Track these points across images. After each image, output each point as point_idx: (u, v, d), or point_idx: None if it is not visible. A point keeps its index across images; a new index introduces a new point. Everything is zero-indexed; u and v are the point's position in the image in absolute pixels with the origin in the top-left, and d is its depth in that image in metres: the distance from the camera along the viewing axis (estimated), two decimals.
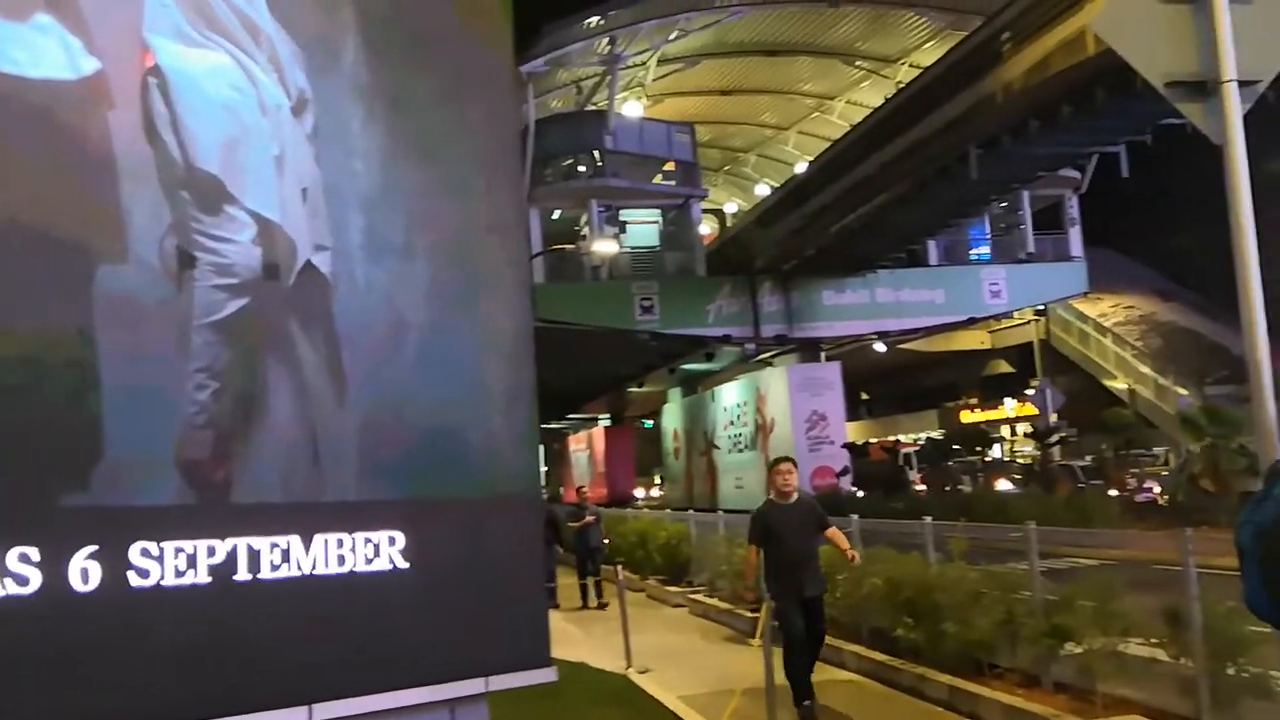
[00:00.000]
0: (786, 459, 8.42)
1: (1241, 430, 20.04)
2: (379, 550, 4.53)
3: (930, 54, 32.02)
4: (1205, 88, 4.38)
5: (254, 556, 4.22)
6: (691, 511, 18.60)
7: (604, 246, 29.59)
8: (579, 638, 12.63)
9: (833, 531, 8.04)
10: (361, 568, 4.48)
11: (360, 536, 4.49)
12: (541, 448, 61.08)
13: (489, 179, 5.13)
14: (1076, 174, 33.87)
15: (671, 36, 33.67)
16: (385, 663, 4.48)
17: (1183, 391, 32.25)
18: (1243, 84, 4.37)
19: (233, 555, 4.17)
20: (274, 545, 4.28)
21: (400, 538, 4.56)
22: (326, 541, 4.41)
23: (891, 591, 9.02)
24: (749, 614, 11.71)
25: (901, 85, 31.21)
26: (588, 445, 55.15)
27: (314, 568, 4.36)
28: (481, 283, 4.96)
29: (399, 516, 4.57)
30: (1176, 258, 42.19)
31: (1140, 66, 4.49)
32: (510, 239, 5.23)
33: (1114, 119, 20.27)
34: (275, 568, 4.27)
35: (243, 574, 4.18)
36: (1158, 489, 23.53)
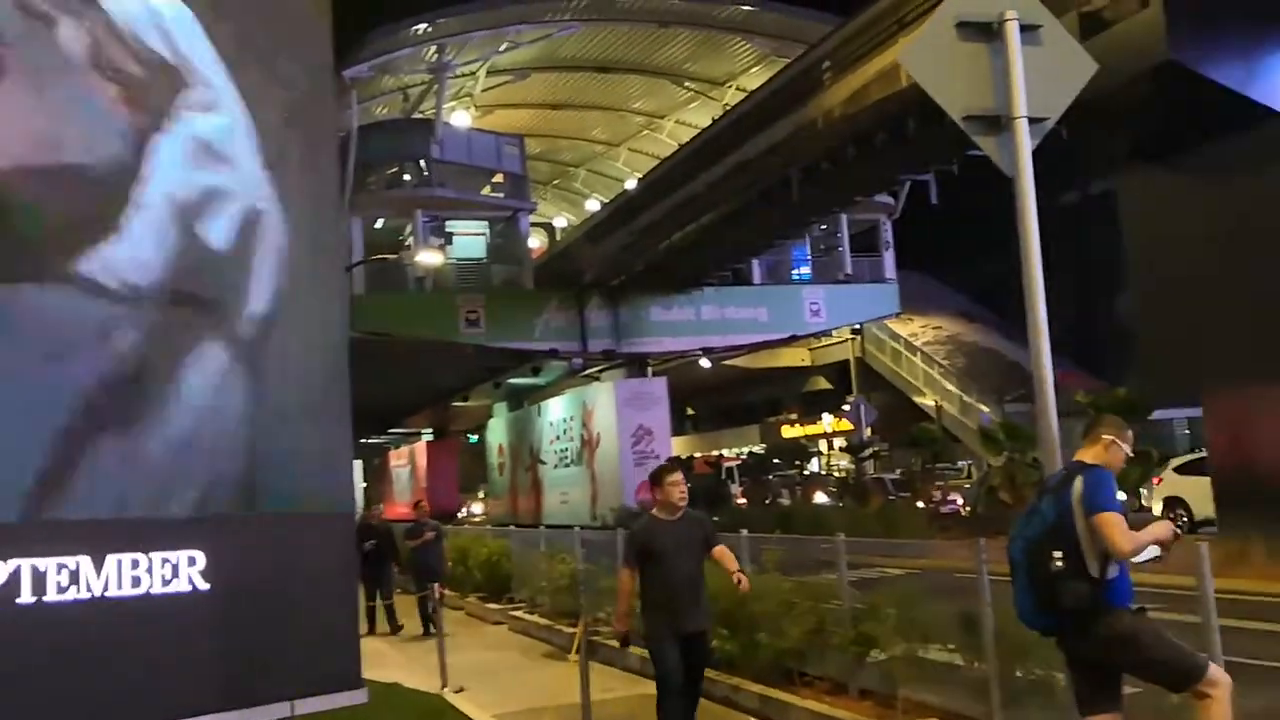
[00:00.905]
0: (675, 466, 7.01)
1: (1035, 445, 21.35)
2: (177, 571, 4.32)
3: (756, 78, 32.98)
4: (999, 122, 4.68)
5: (39, 578, 3.96)
6: (513, 527, 18.48)
7: (428, 257, 29.13)
8: (394, 657, 12.33)
9: (721, 551, 6.73)
10: (158, 589, 4.25)
11: (157, 556, 4.26)
12: (360, 463, 59.57)
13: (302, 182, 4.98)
14: (891, 200, 35.48)
15: (502, 48, 33.55)
16: (184, 689, 4.27)
17: (984, 408, 34.16)
18: (1033, 120, 4.68)
19: (15, 577, 3.90)
20: (61, 566, 4.02)
21: (201, 557, 4.35)
22: (120, 562, 4.17)
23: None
24: (568, 629, 11.70)
25: (728, 108, 32.02)
26: (409, 461, 54.09)
27: (106, 590, 4.12)
28: (291, 291, 4.80)
29: (199, 535, 4.37)
30: (980, 281, 44.66)
31: (941, 100, 4.75)
32: (325, 246, 5.09)
33: (924, 148, 21.31)
34: (63, 590, 4.01)
35: (26, 597, 3.92)
36: (960, 500, 24.81)
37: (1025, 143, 4.63)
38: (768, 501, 28.86)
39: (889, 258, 37.36)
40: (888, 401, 37.80)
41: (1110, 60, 13.75)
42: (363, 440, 53.95)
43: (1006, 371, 36.24)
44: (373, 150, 32.44)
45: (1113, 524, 4.10)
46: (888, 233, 37.28)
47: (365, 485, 63.13)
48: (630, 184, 36.72)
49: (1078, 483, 4.24)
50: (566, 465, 37.73)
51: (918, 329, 42.33)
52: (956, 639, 6.78)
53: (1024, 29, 4.69)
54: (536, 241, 41.62)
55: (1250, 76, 13.56)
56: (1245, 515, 14.33)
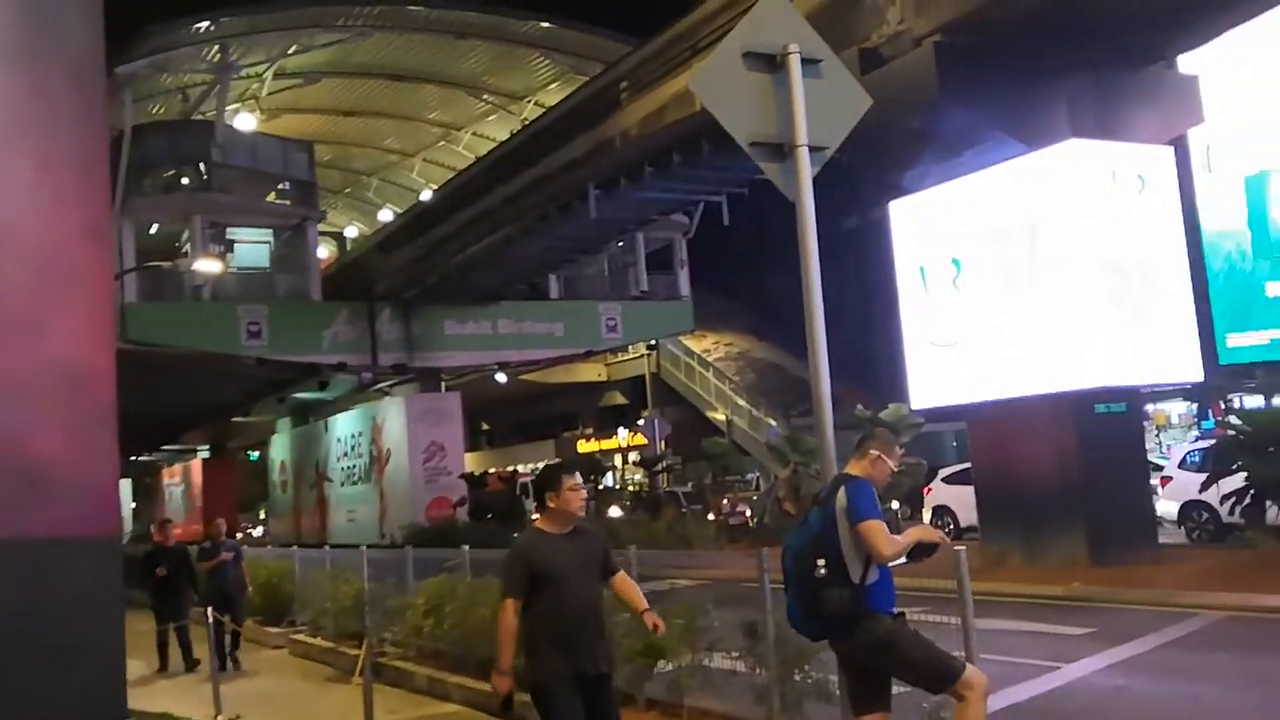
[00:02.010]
0: (569, 467, 5.34)
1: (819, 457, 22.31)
2: None
3: (556, 94, 33.16)
4: (782, 150, 4.88)
5: None
6: (295, 548, 17.79)
7: (206, 265, 27.65)
8: (164, 684, 11.64)
9: (622, 580, 5.32)
10: None
11: None
12: (129, 481, 55.94)
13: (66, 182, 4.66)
14: (686, 219, 36.36)
15: (290, 50, 32.37)
16: None
17: (773, 422, 35.44)
18: (813, 149, 4.91)
19: None
20: None
21: None
22: None
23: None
24: (353, 652, 11.33)
25: (527, 122, 32.04)
26: (183, 479, 51.24)
27: None
28: (50, 296, 4.46)
29: None
30: (769, 299, 46.33)
31: (728, 126, 4.92)
32: (91, 249, 4.76)
33: (717, 170, 21.94)
34: None
35: None
36: (749, 512, 25.60)
37: (806, 169, 4.84)
38: None
39: (684, 275, 38.22)
40: (682, 416, 38.67)
41: (886, 94, 14.73)
42: (131, 458, 50.63)
43: (793, 387, 37.70)
44: (148, 151, 30.62)
45: (875, 531, 4.39)
46: (683, 251, 38.14)
47: (134, 505, 59.40)
48: (425, 195, 36.15)
49: (841, 494, 4.51)
50: (354, 483, 36.67)
51: (710, 345, 43.53)
52: (740, 647, 6.99)
53: (805, 62, 4.90)
54: (325, 251, 40.30)
55: (1013, 116, 14.66)
56: (1004, 523, 15.45)
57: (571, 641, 4.96)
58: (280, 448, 44.59)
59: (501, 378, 38.42)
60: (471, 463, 41.44)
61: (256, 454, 51.38)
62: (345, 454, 37.51)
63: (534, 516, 30.32)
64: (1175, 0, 13.68)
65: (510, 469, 41.33)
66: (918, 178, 16.44)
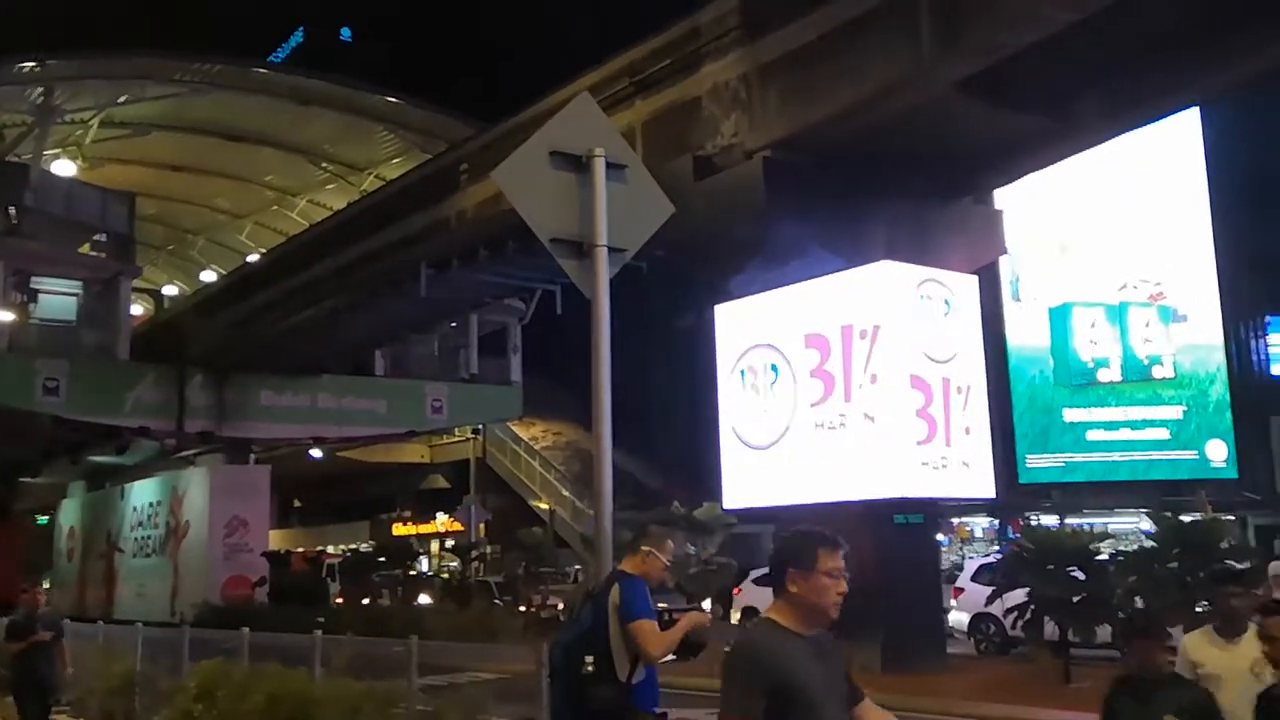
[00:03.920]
0: (830, 540, 3.62)
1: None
2: None
3: (398, 169, 32.88)
4: (582, 248, 4.92)
5: None
6: (67, 621, 16.47)
7: (2, 314, 25.81)
8: None
9: (868, 710, 3.59)
10: None
11: None
12: None
13: None
14: (522, 305, 36.34)
15: (121, 99, 31.19)
16: None
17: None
18: (613, 250, 4.96)
19: None
20: None
21: None
22: None
23: (271, 707, 8.67)
24: None
25: (366, 194, 31.63)
26: None
27: None
28: None
29: None
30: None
31: (529, 220, 4.95)
32: None
33: (552, 259, 22.01)
34: None
35: None
36: (561, 605, 25.24)
37: (604, 269, 4.89)
38: (367, 601, 27.84)
39: (516, 361, 38.05)
40: (505, 504, 38.12)
41: (717, 202, 15.25)
42: None
43: (618, 480, 37.72)
44: None
45: (645, 631, 4.38)
46: (516, 336, 38.04)
47: None
48: (253, 259, 35.06)
49: (614, 591, 4.50)
50: (148, 555, 34.52)
51: (539, 433, 43.30)
52: None
53: (611, 166, 4.99)
54: (140, 309, 38.42)
55: (834, 233, 15.34)
56: None
57: None
58: (70, 512, 41.70)
59: (317, 453, 37.11)
60: (279, 541, 39.63)
61: (45, 518, 47.80)
62: (140, 523, 35.30)
63: (338, 600, 28.78)
64: (968, 143, 14.71)
65: (318, 549, 39.68)
66: (744, 283, 16.96)
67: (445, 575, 35.42)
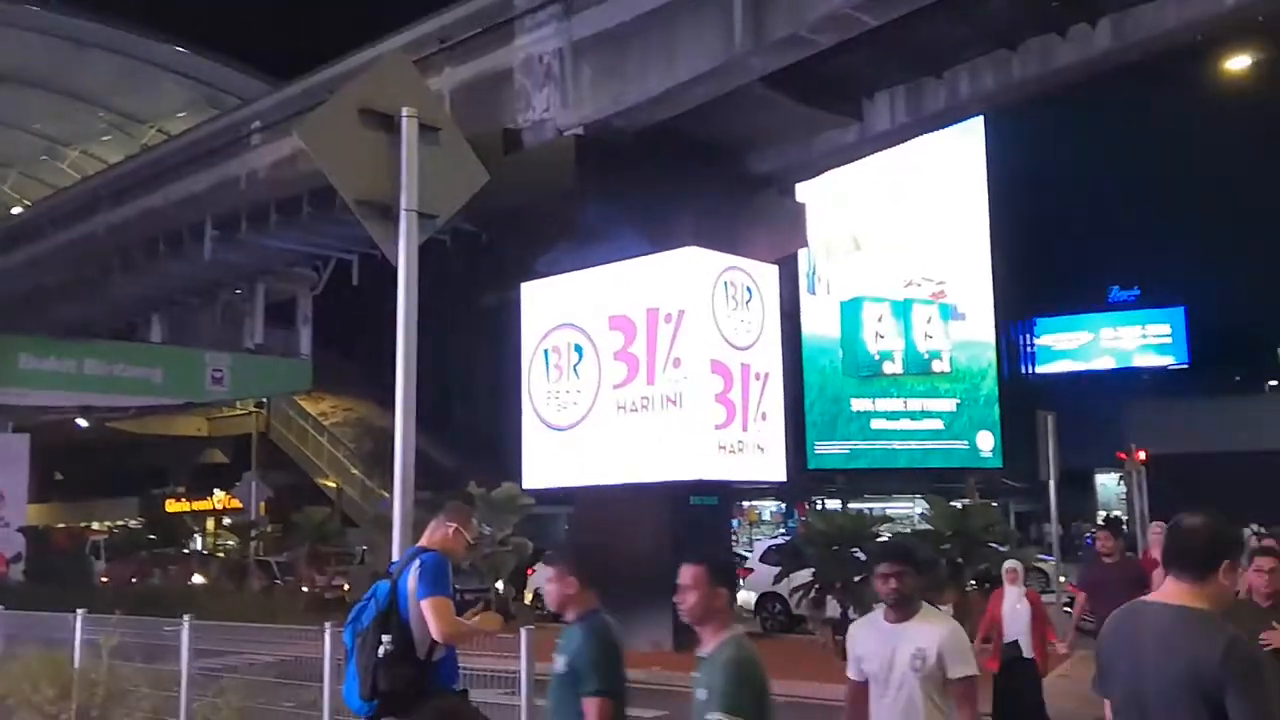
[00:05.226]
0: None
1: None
2: None
3: (183, 124, 30.84)
4: (389, 212, 4.65)
5: None
6: None
7: None
8: None
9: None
10: None
11: None
12: None
13: None
14: (314, 274, 34.85)
15: None
16: None
17: (386, 494, 34.37)
18: (422, 215, 4.71)
19: None
20: None
21: None
22: None
23: (32, 691, 8.04)
24: None
25: (147, 147, 29.57)
26: None
27: None
28: None
29: None
30: (394, 369, 45.53)
31: (335, 180, 4.65)
32: None
33: (350, 227, 21.25)
34: None
35: None
36: (346, 585, 24.46)
37: (412, 234, 4.64)
38: (134, 581, 26.19)
39: (306, 333, 36.46)
40: (290, 481, 36.62)
41: (526, 177, 15.00)
42: None
43: (416, 459, 36.98)
44: None
45: (438, 609, 4.24)
46: (308, 307, 36.46)
47: None
48: (16, 211, 32.21)
49: (414, 568, 4.33)
50: None
51: (329, 409, 41.82)
52: None
53: (424, 128, 4.73)
54: None
55: (645, 218, 15.37)
56: (605, 602, 15.72)
57: None
58: None
59: (83, 422, 34.54)
60: (39, 516, 36.75)
61: None
62: None
63: (104, 579, 27.20)
64: (775, 136, 15.10)
65: (83, 525, 37.05)
66: (551, 262, 16.81)
67: (221, 554, 33.78)
